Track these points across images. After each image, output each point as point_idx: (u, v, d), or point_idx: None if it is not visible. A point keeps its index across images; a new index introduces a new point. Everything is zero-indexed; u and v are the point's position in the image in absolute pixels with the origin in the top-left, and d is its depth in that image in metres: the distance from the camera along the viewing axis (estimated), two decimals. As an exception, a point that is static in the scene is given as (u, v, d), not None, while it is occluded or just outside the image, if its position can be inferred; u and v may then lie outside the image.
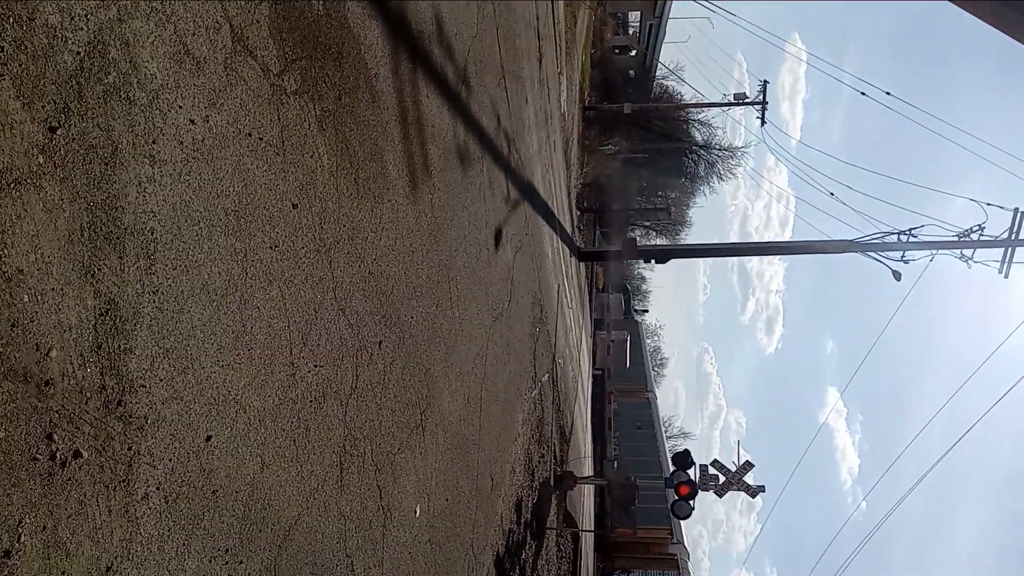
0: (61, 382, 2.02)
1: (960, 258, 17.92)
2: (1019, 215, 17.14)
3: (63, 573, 2.00)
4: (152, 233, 2.44)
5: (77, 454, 2.06)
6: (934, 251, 17.94)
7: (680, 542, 33.57)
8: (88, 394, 2.12)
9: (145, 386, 2.38)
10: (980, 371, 19.20)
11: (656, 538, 31.81)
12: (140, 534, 2.37)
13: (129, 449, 2.30)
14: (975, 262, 17.77)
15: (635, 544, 30.63)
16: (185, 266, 2.62)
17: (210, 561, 2.82)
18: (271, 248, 3.29)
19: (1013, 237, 17.20)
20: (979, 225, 17.62)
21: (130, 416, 2.31)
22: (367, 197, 4.54)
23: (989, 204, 17.61)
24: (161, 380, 2.47)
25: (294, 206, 3.52)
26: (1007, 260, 17.42)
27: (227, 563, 2.95)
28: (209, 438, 2.76)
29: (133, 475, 2.32)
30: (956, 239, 17.87)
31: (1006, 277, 17.55)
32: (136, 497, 2.34)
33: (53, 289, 2.00)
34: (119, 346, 2.26)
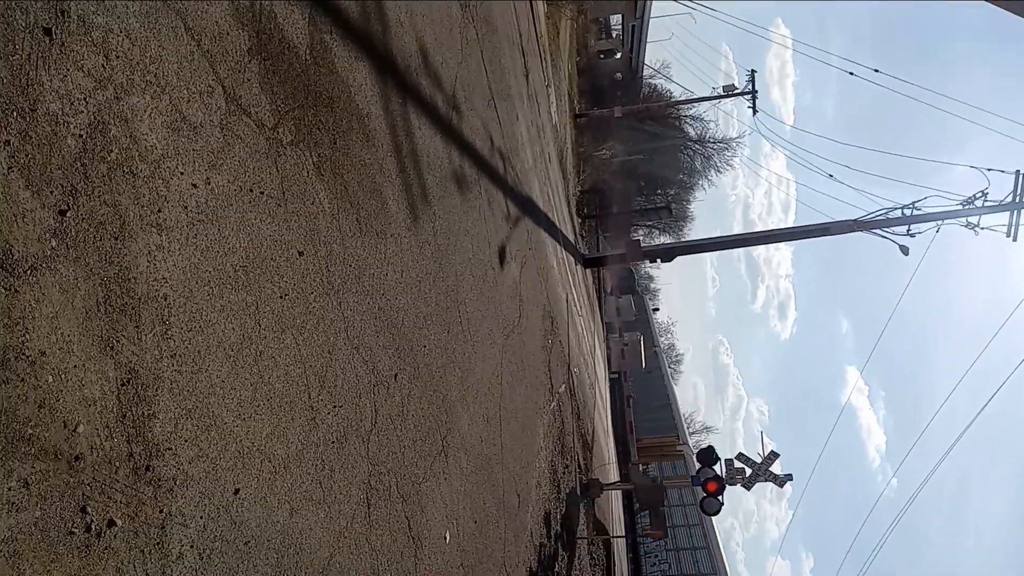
0: (90, 455, 2.08)
1: (966, 226, 17.87)
2: (1021, 177, 17.09)
3: (108, 641, 2.06)
4: (166, 299, 2.52)
5: (111, 523, 2.12)
6: (939, 222, 17.91)
7: (686, 443, 45.35)
8: (117, 464, 2.18)
9: (171, 448, 2.45)
10: (997, 337, 19.09)
11: (667, 443, 44.10)
12: (178, 594, 2.42)
13: (161, 512, 2.36)
14: (982, 228, 17.71)
15: (651, 447, 42.24)
16: (200, 326, 2.69)
17: (248, 611, 2.87)
18: (281, 297, 3.36)
19: (1017, 199, 17.14)
20: (982, 191, 17.58)
21: (159, 480, 2.37)
22: (370, 234, 4.61)
23: (990, 169, 17.57)
24: (186, 441, 2.53)
25: (300, 254, 3.59)
26: (1014, 223, 17.34)
27: (265, 611, 3.00)
28: (237, 491, 2.82)
29: (167, 536, 2.38)
30: (960, 207, 17.83)
31: (1014, 240, 17.47)
32: (171, 558, 2.39)
33: (75, 366, 2.07)
34: (143, 412, 2.33)
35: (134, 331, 2.35)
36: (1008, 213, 17.30)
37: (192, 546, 2.51)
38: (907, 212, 17.99)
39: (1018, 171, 17.10)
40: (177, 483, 2.45)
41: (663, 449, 43.22)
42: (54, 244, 2.07)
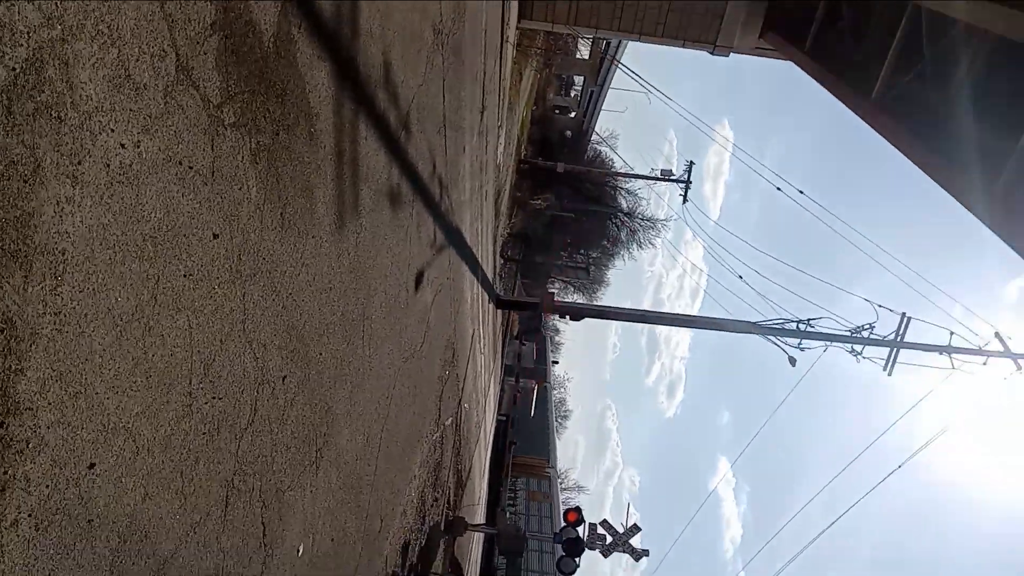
0: (-57, 400, 1.95)
1: (851, 352, 19.15)
2: (905, 319, 18.54)
3: (-88, 601, 1.91)
4: (63, 254, 2.41)
5: (-52, 476, 1.98)
6: (828, 343, 19.11)
7: (553, 467, 48.75)
8: (-30, 414, 2.05)
9: (32, 409, 2.32)
10: (858, 461, 20.37)
11: (537, 464, 48.25)
12: (3, 562, 2.27)
13: (4, 473, 2.22)
14: (864, 357, 19.03)
15: (524, 465, 44.78)
16: (92, 289, 2.58)
17: (73, 594, 2.71)
18: (185, 276, 3.26)
19: (898, 339, 18.54)
20: (870, 324, 18.93)
21: (10, 439, 2.24)
22: (291, 232, 4.54)
23: (881, 306, 18.97)
24: (50, 404, 2.40)
25: (215, 236, 3.50)
26: (891, 359, 18.72)
27: (91, 597, 2.84)
28: (92, 466, 2.69)
29: (5, 500, 2.24)
30: (849, 334, 19.11)
31: (889, 375, 18.85)
32: (5, 523, 2.25)
33: (-50, 304, 1.96)
34: (10, 366, 2.21)
35: (21, 280, 2.23)
36: (888, 349, 18.67)
37: (30, 515, 2.37)
38: (801, 327, 19.13)
39: (904, 313, 18.56)
40: (29, 446, 2.32)
41: (534, 468, 47.78)
42: (-41, 173, 1.96)
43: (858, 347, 18.84)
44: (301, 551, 5.58)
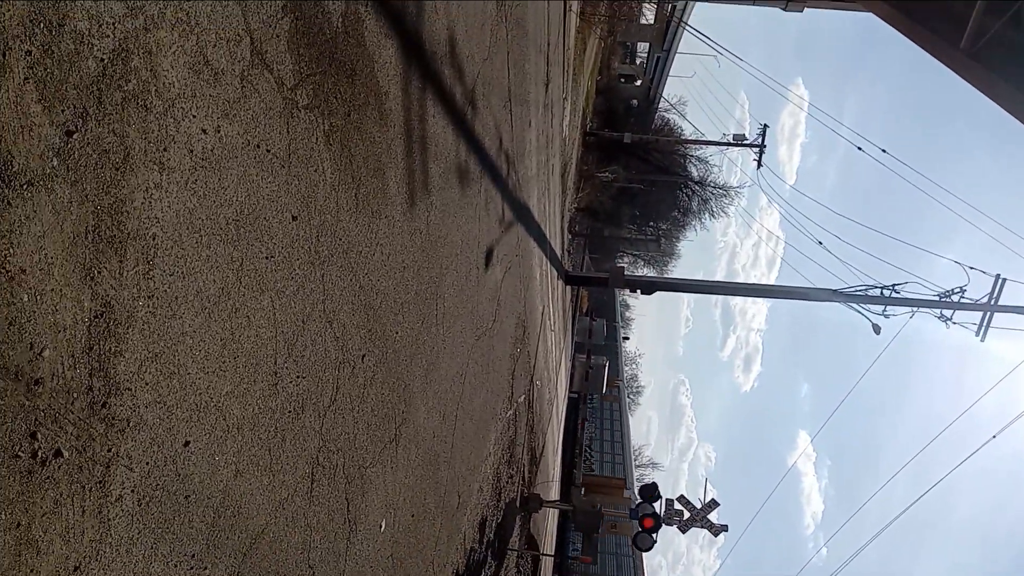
0: (50, 382, 2.04)
1: (940, 318, 18.20)
2: (999, 281, 17.47)
3: (32, 571, 2.02)
4: (154, 239, 2.48)
5: (58, 453, 2.08)
6: (915, 309, 18.23)
7: (631, 489, 45.74)
8: (75, 395, 2.14)
9: (131, 389, 2.41)
10: (948, 431, 19.46)
11: (614, 484, 44.78)
12: (110, 536, 2.38)
13: (109, 451, 2.32)
14: (953, 323, 18.06)
15: (599, 484, 42.31)
16: (182, 272, 2.66)
17: (176, 566, 2.83)
18: (267, 258, 3.32)
19: (992, 302, 17.51)
20: (960, 287, 17.94)
21: (113, 418, 2.33)
22: (365, 212, 4.58)
23: (972, 268, 17.94)
24: (147, 384, 2.49)
25: (294, 218, 3.56)
26: (984, 324, 17.71)
27: (192, 568, 2.96)
28: (187, 443, 2.78)
29: (110, 477, 2.34)
30: (937, 299, 18.17)
31: (982, 341, 17.84)
32: (111, 499, 2.35)
33: (53, 290, 2.03)
34: (110, 348, 2.29)
35: (117, 265, 2.31)
36: (981, 313, 17.67)
37: (133, 491, 2.47)
38: (886, 293, 18.30)
39: (998, 275, 17.48)
40: (130, 425, 2.41)
41: (610, 489, 43.38)
42: (55, 163, 2.03)
43: (947, 312, 17.89)
44: (384, 527, 5.71)
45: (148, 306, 2.48)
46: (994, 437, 18.70)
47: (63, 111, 2.05)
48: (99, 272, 2.23)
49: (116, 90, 2.27)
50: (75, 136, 2.10)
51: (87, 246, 2.18)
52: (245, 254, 3.12)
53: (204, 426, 2.91)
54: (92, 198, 2.19)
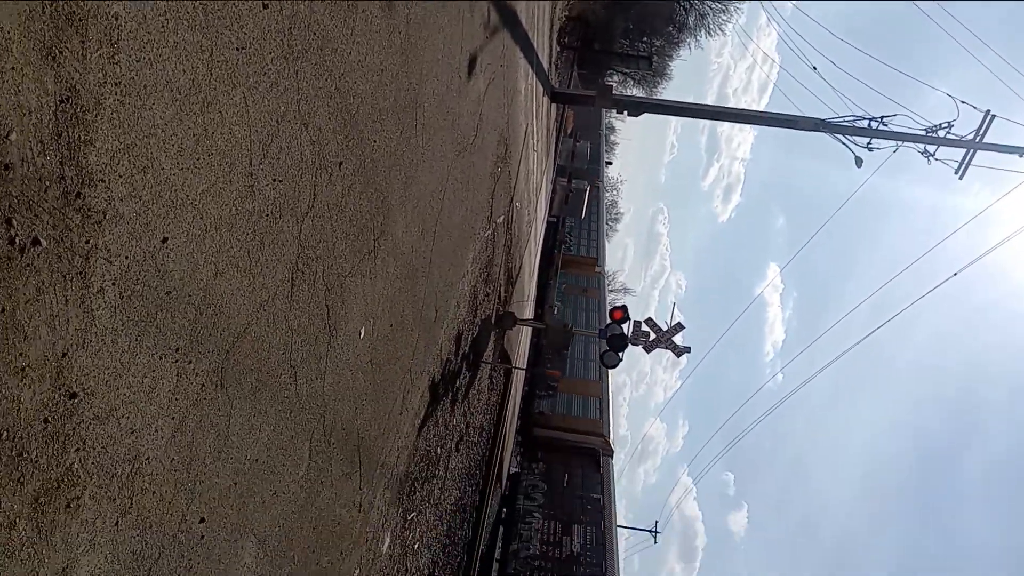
0: (20, 167, 1.97)
1: (923, 153, 18.13)
2: (988, 118, 17.24)
3: (21, 355, 2.07)
4: (116, 19, 2.29)
5: (36, 242, 2.05)
6: (900, 142, 18.08)
7: (602, 266, 49.56)
8: (47, 183, 2.07)
9: (104, 181, 2.34)
10: (913, 268, 20.16)
11: (587, 262, 47.99)
12: (95, 325, 2.42)
13: (87, 243, 2.29)
14: (936, 159, 18.02)
15: (573, 262, 44.96)
16: (149, 59, 2.49)
17: (161, 358, 2.93)
18: (238, 50, 3.12)
19: (977, 139, 17.39)
20: (948, 123, 17.70)
21: (88, 209, 2.28)
22: (340, 3, 4.27)
23: (964, 102, 17.59)
24: (120, 176, 2.42)
25: (264, 6, 3.30)
26: (966, 162, 17.70)
27: (177, 361, 3.06)
28: (165, 240, 2.77)
29: (90, 268, 2.33)
30: (924, 133, 17.98)
31: (960, 179, 17.92)
32: (92, 290, 2.37)
33: (12, 68, 1.90)
34: (79, 136, 2.19)
35: (79, 45, 2.14)
36: (964, 150, 17.58)
37: (114, 283, 2.49)
38: (873, 124, 18.02)
39: (988, 111, 17.19)
40: (107, 217, 2.37)
41: (583, 266, 47.18)
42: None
43: (931, 147, 17.79)
44: (363, 334, 5.91)
45: (116, 94, 2.34)
46: (955, 274, 19.44)
47: None
48: (60, 52, 2.08)
49: None
50: None
51: (45, 22, 2.01)
52: (215, 43, 2.92)
53: (181, 224, 2.88)
54: (39, -35, 1.98)
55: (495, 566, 21.21)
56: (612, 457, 31.26)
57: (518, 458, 28.22)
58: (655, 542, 43.02)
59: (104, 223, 2.37)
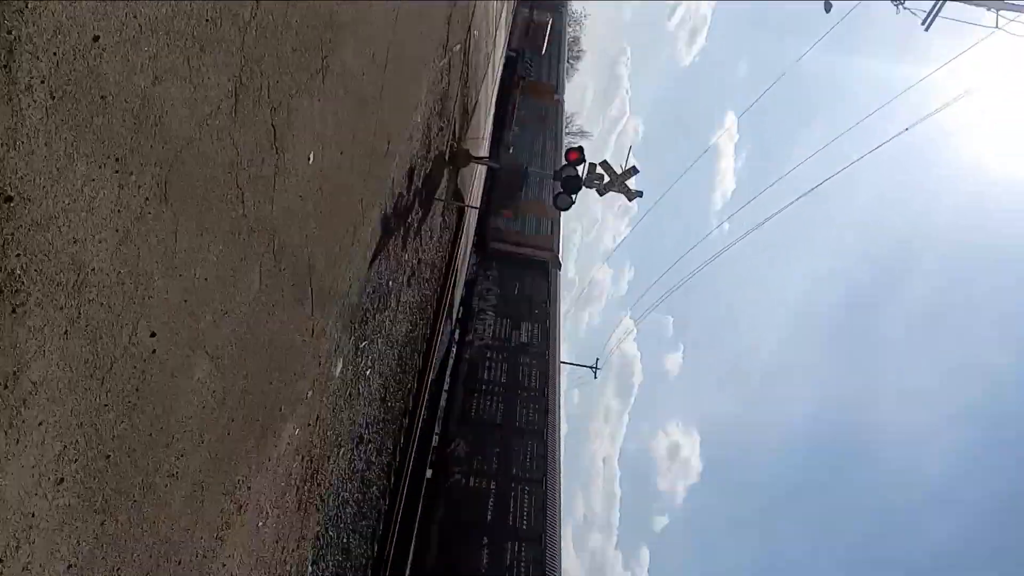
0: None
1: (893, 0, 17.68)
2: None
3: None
4: None
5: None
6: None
7: (561, 97, 48.26)
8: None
9: (20, -36, 2.15)
10: (864, 126, 20.30)
11: (546, 88, 46.13)
12: (25, 125, 2.33)
13: (9, 33, 2.15)
14: (904, 8, 17.63)
15: (533, 88, 42.99)
16: None
17: (100, 167, 2.85)
18: None
19: (948, -15, 16.99)
20: (921, -35, 17.17)
21: (6, -5, 2.12)
22: None
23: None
24: (38, -39, 2.23)
25: None
26: (934, 12, 17.38)
27: (117, 171, 2.99)
28: (97, 38, 2.61)
29: (14, 61, 2.21)
30: (897, -23, 17.45)
31: (927, 30, 17.67)
32: (19, 87, 2.25)
33: None
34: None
35: None
36: (933, 1, 17.19)
37: (43, 82, 2.36)
38: (847, -34, 17.37)
39: (965, -44, 16.66)
40: (28, 6, 2.21)
41: (543, 93, 46.42)
42: None
43: (903, -7, 17.36)
44: (312, 159, 5.79)
45: None
46: (907, 129, 19.66)
47: None
48: None
49: None
50: None
51: None
52: None
53: (113, 22, 2.70)
54: None
55: (449, 363, 22.72)
56: (560, 269, 33.49)
57: (474, 267, 29.48)
58: (595, 377, 45.74)
59: (26, 12, 2.21)
